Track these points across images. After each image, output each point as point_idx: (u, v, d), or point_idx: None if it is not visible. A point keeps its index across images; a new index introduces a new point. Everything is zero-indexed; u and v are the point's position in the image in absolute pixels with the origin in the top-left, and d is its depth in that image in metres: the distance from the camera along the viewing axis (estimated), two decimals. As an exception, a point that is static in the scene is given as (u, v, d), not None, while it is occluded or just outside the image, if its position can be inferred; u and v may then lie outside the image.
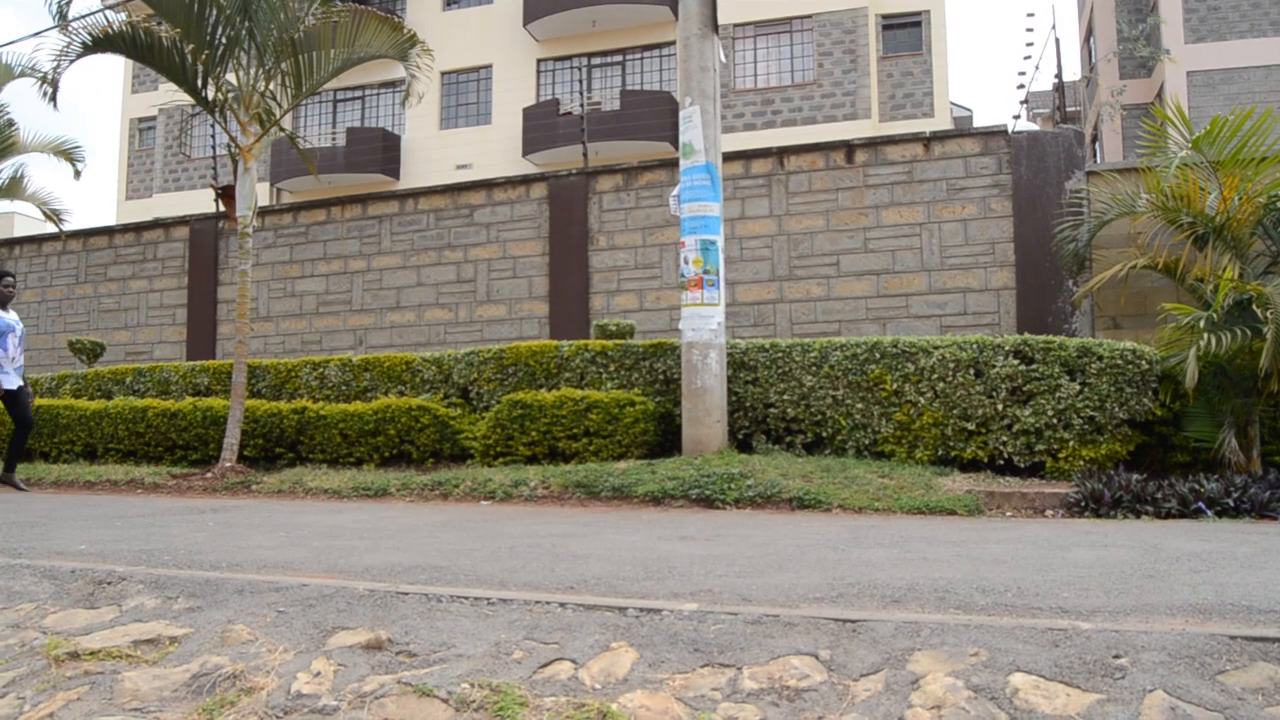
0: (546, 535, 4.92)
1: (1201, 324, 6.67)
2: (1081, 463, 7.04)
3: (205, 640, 2.76)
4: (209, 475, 8.63)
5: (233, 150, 9.81)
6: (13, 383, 8.45)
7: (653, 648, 2.49)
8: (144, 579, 3.30)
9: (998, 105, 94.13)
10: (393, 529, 5.32)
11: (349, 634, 2.70)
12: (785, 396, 8.01)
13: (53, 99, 9.49)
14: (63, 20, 9.19)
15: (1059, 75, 12.41)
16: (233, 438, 9.00)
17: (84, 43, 9.16)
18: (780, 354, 8.11)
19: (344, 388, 9.90)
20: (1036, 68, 27.95)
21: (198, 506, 6.94)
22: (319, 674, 2.50)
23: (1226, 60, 23.01)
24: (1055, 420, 7.14)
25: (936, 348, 7.60)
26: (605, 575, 3.46)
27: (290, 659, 2.60)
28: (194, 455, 9.71)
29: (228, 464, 8.83)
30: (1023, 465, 7.28)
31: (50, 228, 14.07)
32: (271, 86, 9.83)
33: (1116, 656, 2.25)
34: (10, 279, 8.62)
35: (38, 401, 10.65)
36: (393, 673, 2.46)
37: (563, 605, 2.82)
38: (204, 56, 9.10)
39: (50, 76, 9.36)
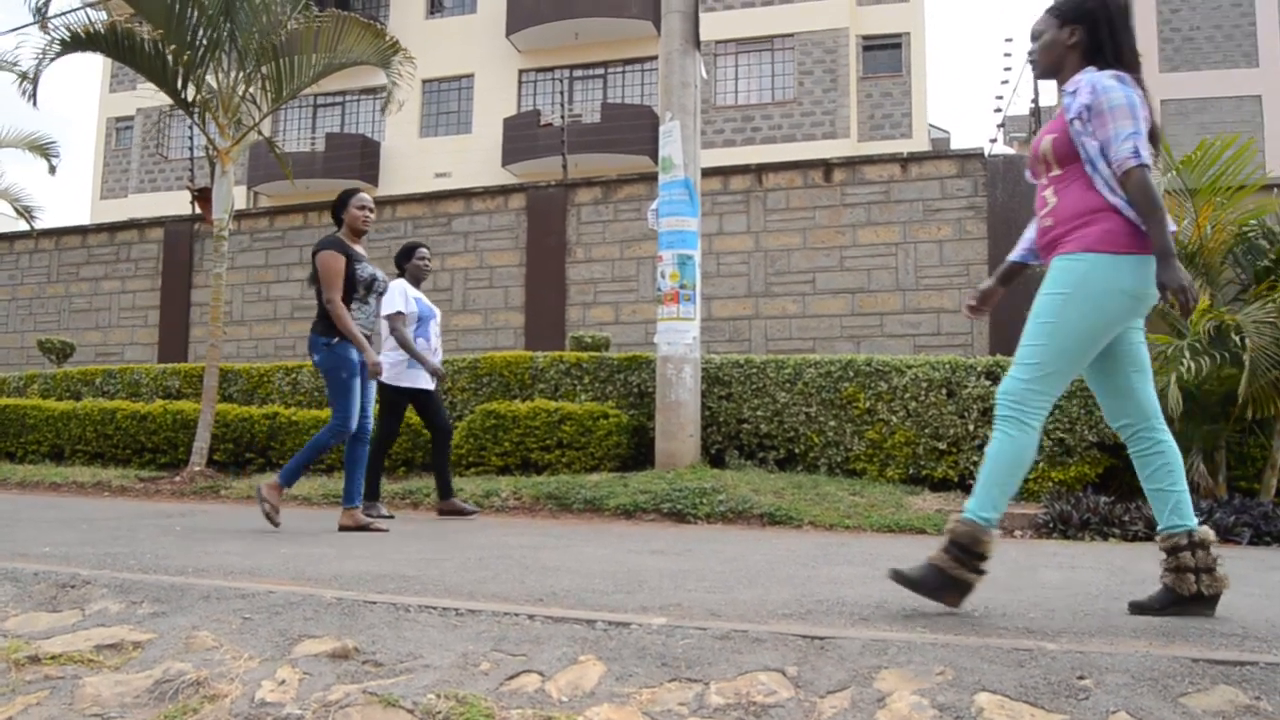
0: (517, 546, 4.91)
1: (1185, 352, 6.75)
2: (1050, 484, 7.10)
3: (169, 646, 2.73)
4: (178, 479, 8.55)
5: (210, 153, 9.75)
6: None
7: (621, 661, 2.49)
8: (108, 583, 3.27)
9: (975, 128, 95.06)
10: (363, 537, 5.29)
11: (315, 642, 2.68)
12: (759, 412, 8.03)
13: (32, 97, 9.42)
14: (42, 18, 9.13)
15: (1035, 100, 12.59)
16: (203, 442, 8.92)
17: (64, 41, 9.10)
18: (755, 370, 8.13)
19: (317, 394, 9.84)
20: (1014, 91, 28.29)
21: (165, 511, 6.87)
22: (284, 682, 2.47)
23: (1199, 90, 23.38)
24: (1026, 442, 7.18)
25: (910, 367, 7.65)
26: (575, 588, 3.45)
27: (255, 666, 2.57)
28: (163, 459, 9.62)
29: (197, 468, 8.75)
30: (993, 486, 7.32)
31: (22, 225, 13.93)
32: (251, 90, 9.79)
33: (1081, 678, 2.27)
34: None
35: (4, 401, 10.52)
36: (358, 682, 2.45)
37: (531, 617, 2.81)
38: (185, 58, 9.05)
39: (30, 74, 9.29)
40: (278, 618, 2.88)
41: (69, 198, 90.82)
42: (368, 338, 5.69)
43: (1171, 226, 2.90)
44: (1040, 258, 3.28)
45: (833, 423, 7.81)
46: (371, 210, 5.84)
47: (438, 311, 6.92)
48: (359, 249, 5.77)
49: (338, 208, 5.79)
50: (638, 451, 8.33)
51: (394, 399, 6.58)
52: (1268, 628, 2.85)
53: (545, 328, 11.44)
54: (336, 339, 5.52)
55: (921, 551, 5.07)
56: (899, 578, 3.03)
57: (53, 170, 13.08)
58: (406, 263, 6.79)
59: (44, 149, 12.82)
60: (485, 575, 3.74)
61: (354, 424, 5.57)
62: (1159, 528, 3.10)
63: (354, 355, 5.57)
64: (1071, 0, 3.11)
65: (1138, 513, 6.32)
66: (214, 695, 2.44)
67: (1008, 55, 40.11)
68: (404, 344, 6.43)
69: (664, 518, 6.55)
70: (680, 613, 2.93)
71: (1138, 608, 3.08)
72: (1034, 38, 3.24)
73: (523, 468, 8.19)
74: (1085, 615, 3.06)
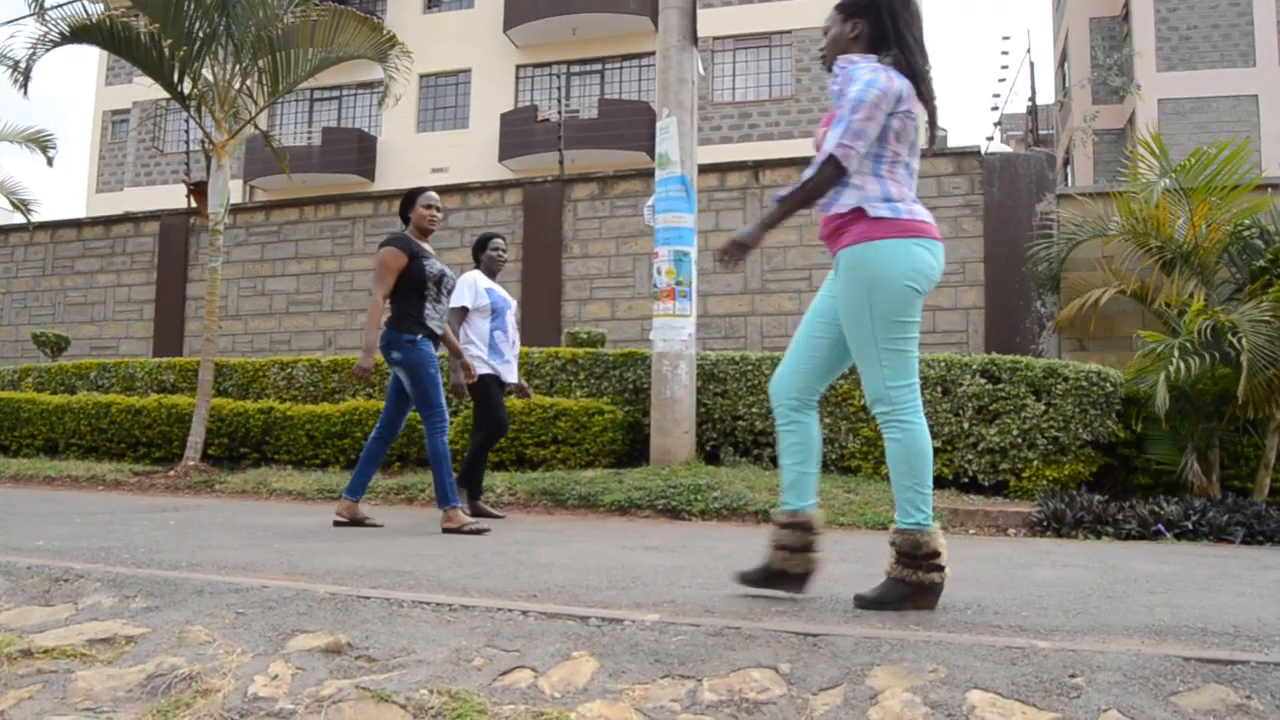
0: (511, 542, 4.91)
1: (1176, 351, 6.76)
2: (1045, 482, 7.11)
3: (162, 640, 2.73)
4: (172, 473, 8.54)
5: (206, 146, 9.73)
6: None
7: (614, 657, 2.49)
8: (101, 577, 3.26)
9: (972, 126, 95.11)
10: (357, 532, 5.29)
11: (308, 637, 2.68)
12: (754, 409, 8.03)
13: (24, 88, 9.39)
14: (40, 9, 9.10)
15: (1032, 99, 12.58)
16: (197, 436, 8.91)
17: (60, 33, 9.07)
18: (750, 367, 8.14)
19: (312, 389, 9.84)
20: (1012, 89, 28.28)
21: (159, 505, 6.86)
22: (277, 677, 2.47)
23: (1196, 89, 23.39)
24: (1020, 440, 7.20)
25: (905, 365, 7.64)
26: (569, 584, 3.46)
27: (248, 661, 2.57)
28: (157, 453, 9.60)
29: (191, 463, 8.74)
30: (987, 484, 7.34)
31: (18, 218, 13.89)
32: (248, 83, 9.77)
33: (1073, 676, 2.28)
34: None
35: (-1, 394, 10.51)
36: (351, 677, 2.45)
37: (525, 613, 2.81)
38: (181, 51, 9.03)
39: (24, 65, 9.26)
40: (271, 612, 2.88)
41: (64, 191, 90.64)
42: (439, 336, 5.67)
43: (794, 212, 3.08)
44: None
45: (828, 420, 7.82)
46: (439, 209, 5.78)
47: (513, 302, 6.71)
48: (427, 246, 5.71)
49: (405, 206, 5.73)
50: (633, 448, 8.33)
51: (493, 386, 6.37)
52: (1259, 627, 2.86)
53: (541, 323, 11.43)
54: (419, 335, 5.45)
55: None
56: (864, 603, 3.04)
57: (50, 164, 13.05)
58: (482, 254, 6.60)
59: (41, 142, 12.78)
60: (479, 571, 3.75)
61: (446, 416, 5.49)
62: (780, 503, 3.21)
63: (432, 350, 5.50)
64: None
65: (1131, 512, 6.33)
66: (207, 690, 2.44)
67: (1005, 54, 40.08)
68: (448, 341, 6.04)
69: (659, 514, 6.55)
70: (674, 609, 2.94)
71: (742, 577, 3.20)
72: (824, 33, 3.27)
73: (518, 463, 8.19)
74: (1078, 613, 3.07)
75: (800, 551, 3.12)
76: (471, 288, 6.36)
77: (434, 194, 5.77)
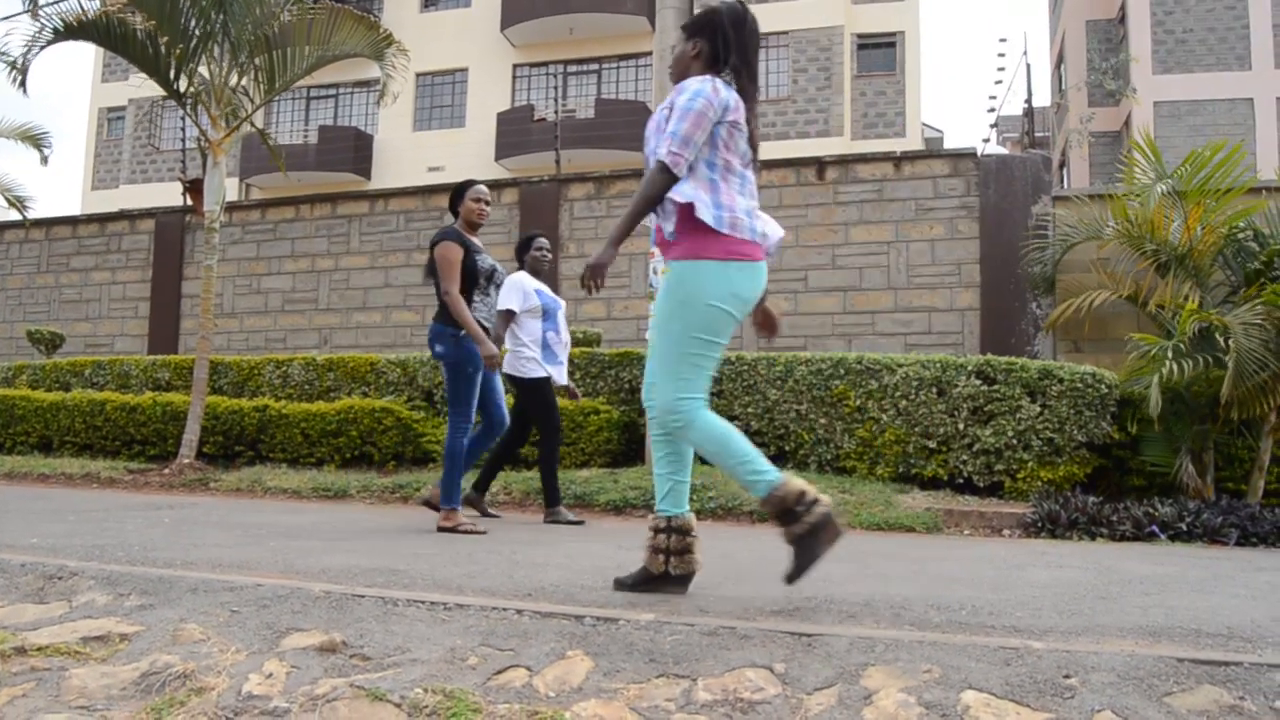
0: (506, 541, 4.91)
1: (1169, 353, 6.77)
2: (1039, 484, 7.12)
3: (156, 638, 2.73)
4: (167, 471, 8.53)
5: (202, 144, 9.72)
6: None
7: (608, 657, 2.49)
8: (96, 575, 3.26)
9: (968, 128, 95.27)
10: (352, 531, 5.29)
11: (303, 635, 2.68)
12: (749, 410, 8.03)
13: (22, 85, 9.37)
14: (34, 6, 9.08)
15: (1029, 101, 12.61)
16: (192, 434, 8.89)
17: (56, 29, 9.05)
18: (745, 367, 8.14)
19: (307, 387, 9.83)
20: (1008, 91, 28.33)
21: (154, 503, 6.85)
22: (271, 675, 2.47)
23: (1192, 92, 23.44)
24: (1015, 441, 7.21)
25: (900, 366, 7.66)
26: (563, 583, 3.46)
27: (242, 659, 2.57)
28: (152, 451, 9.59)
29: (186, 460, 8.73)
30: (982, 484, 7.35)
31: (13, 215, 13.86)
32: (244, 81, 9.76)
33: (1067, 676, 2.28)
34: None
35: (-7, 391, 10.48)
36: (345, 676, 2.45)
37: (519, 612, 2.81)
38: (177, 49, 9.02)
39: (20, 62, 9.24)
40: (265, 611, 2.87)
41: (60, 188, 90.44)
42: (486, 330, 5.54)
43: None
44: None
45: (823, 420, 7.82)
46: (488, 202, 5.69)
47: (562, 302, 6.53)
48: (476, 240, 5.63)
49: (454, 199, 5.65)
50: (628, 448, 8.34)
51: (544, 388, 6.21)
52: (1253, 628, 2.86)
53: (537, 323, 11.42)
54: (465, 330, 5.34)
55: (910, 550, 5.10)
56: (794, 575, 3.07)
57: (45, 161, 13.02)
58: (525, 254, 6.45)
59: (36, 139, 12.76)
60: (474, 570, 3.74)
61: (472, 419, 5.41)
62: (656, 508, 3.26)
63: (476, 348, 5.39)
64: (696, 16, 3.35)
65: (1125, 513, 6.34)
66: (201, 688, 2.44)
67: (1001, 55, 40.16)
68: (496, 340, 5.92)
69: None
70: (668, 609, 2.94)
71: (618, 584, 3.28)
72: (673, 51, 3.43)
73: (512, 462, 8.18)
74: (1072, 614, 3.07)
75: (680, 554, 3.19)
76: (519, 290, 6.19)
77: (483, 187, 5.69)
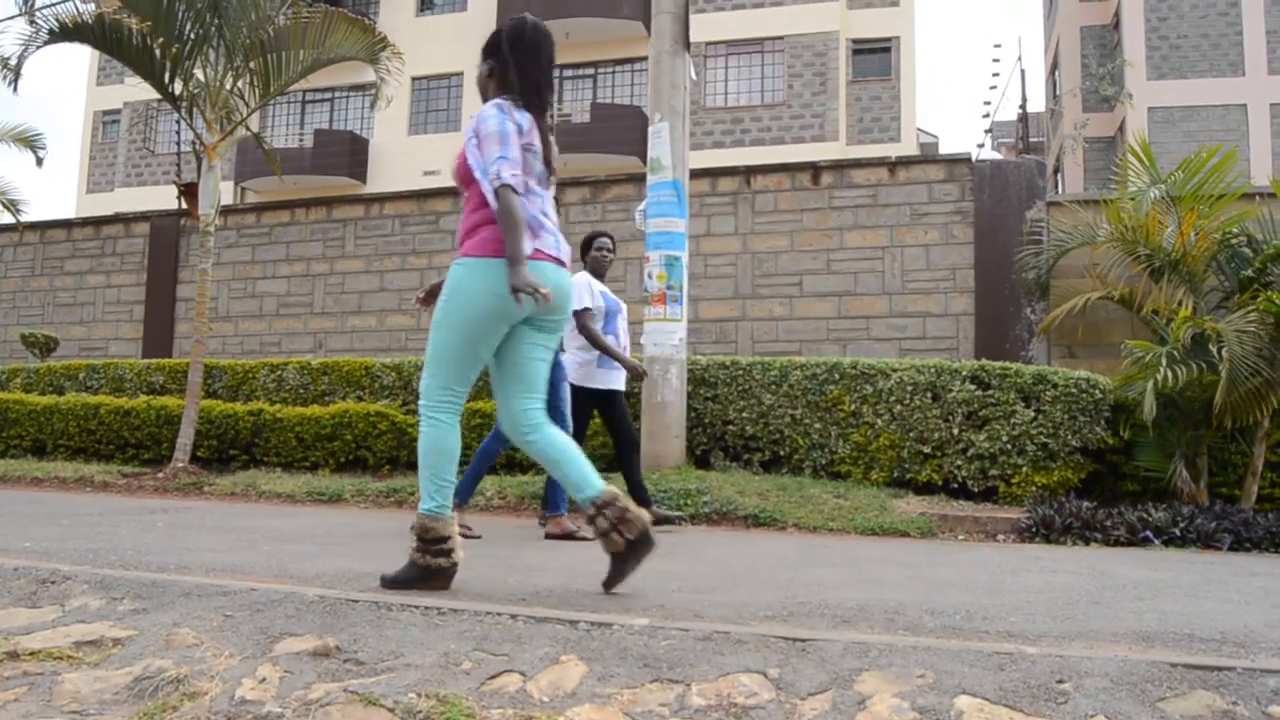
0: (501, 545, 4.90)
1: (1163, 360, 6.78)
2: (1034, 488, 7.12)
3: (149, 643, 2.72)
4: (160, 475, 8.51)
5: (197, 147, 9.71)
6: None
7: (602, 662, 2.49)
8: (89, 579, 3.25)
9: (963, 133, 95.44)
10: (346, 535, 5.28)
11: (296, 640, 2.67)
12: (744, 414, 8.04)
13: (14, 85, 9.35)
14: (29, 8, 9.07)
15: (1023, 106, 12.64)
16: (186, 438, 8.88)
17: (51, 31, 9.04)
18: (741, 371, 8.14)
19: (302, 391, 9.81)
20: (1003, 96, 28.45)
21: (148, 507, 6.84)
22: (264, 680, 2.47)
23: (1186, 98, 23.52)
24: (1009, 446, 7.22)
25: (895, 370, 7.67)
26: (558, 588, 3.45)
27: (235, 664, 2.57)
28: (146, 455, 9.57)
29: (180, 464, 8.71)
30: (976, 489, 7.36)
31: (7, 218, 13.84)
32: (239, 85, 9.74)
33: (1060, 681, 2.28)
34: None
35: (-14, 395, 10.45)
36: (339, 680, 2.44)
37: (514, 617, 2.81)
38: (172, 51, 9.01)
39: (14, 63, 9.23)
40: (259, 615, 2.87)
41: (54, 191, 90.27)
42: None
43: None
44: None
45: (818, 425, 7.83)
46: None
47: (623, 305, 6.30)
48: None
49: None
50: (623, 452, 8.32)
51: (584, 401, 6.01)
52: (1246, 633, 2.87)
53: (532, 327, 11.40)
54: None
55: (904, 554, 5.10)
56: (387, 582, 3.30)
57: (40, 163, 13.01)
58: (587, 254, 6.27)
59: (31, 141, 12.76)
60: (468, 575, 3.74)
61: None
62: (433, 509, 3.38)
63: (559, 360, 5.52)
64: (489, 39, 3.52)
65: (1119, 518, 6.35)
66: (194, 693, 2.43)
67: (996, 61, 40.27)
68: (595, 341, 5.88)
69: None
70: (663, 614, 2.94)
71: (385, 581, 3.34)
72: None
73: (507, 466, 8.18)
74: (1066, 619, 3.08)
75: (444, 552, 3.31)
76: (589, 289, 5.98)
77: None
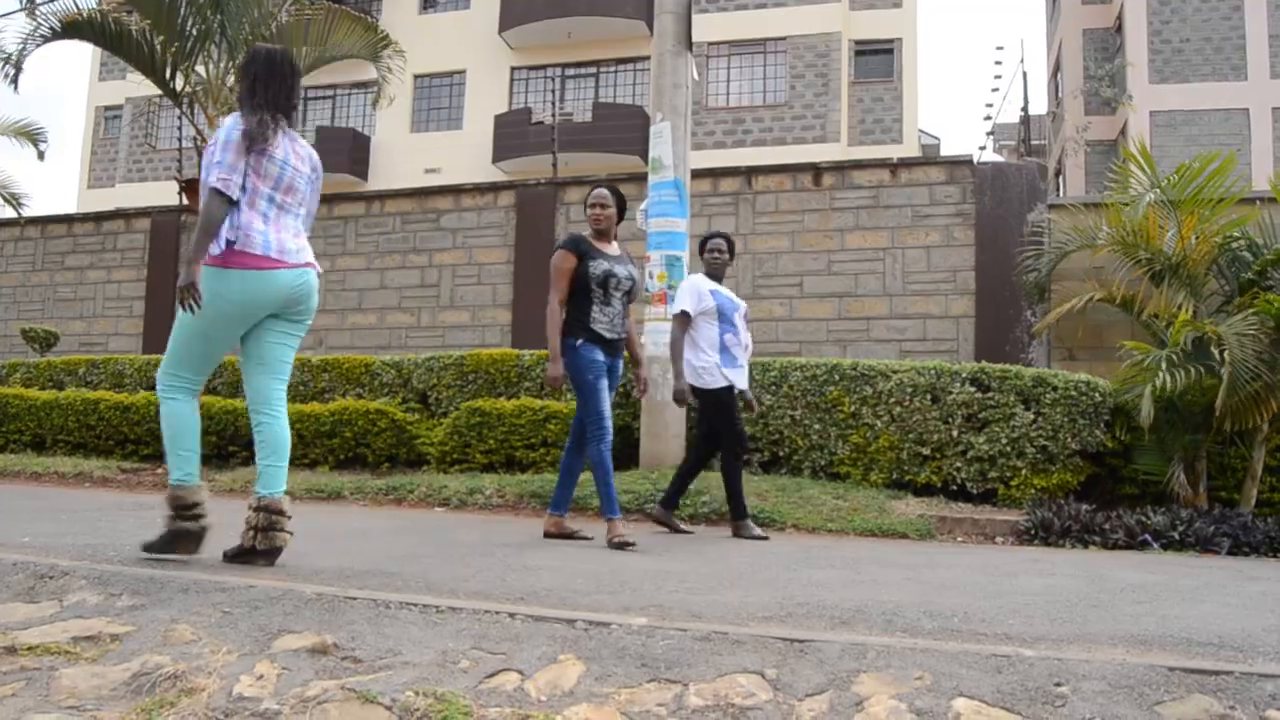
0: (500, 544, 4.90)
1: (1162, 363, 6.78)
2: (1033, 491, 7.12)
3: (147, 639, 2.72)
4: (160, 471, 8.50)
5: (199, 143, 9.71)
6: None
7: (600, 661, 2.49)
8: (87, 574, 3.25)
9: (965, 135, 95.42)
10: (345, 532, 5.28)
11: (294, 637, 2.68)
12: (744, 414, 8.02)
13: (14, 81, 9.36)
14: (30, 4, 9.08)
15: (1025, 109, 12.67)
16: (186, 434, 8.86)
17: (51, 28, 9.06)
18: (741, 372, 8.13)
19: (301, 388, 9.81)
20: (1005, 99, 28.42)
21: (147, 503, 6.83)
22: (262, 677, 2.47)
23: (1188, 102, 23.50)
24: (1009, 448, 7.22)
25: (895, 372, 7.67)
26: (556, 587, 3.45)
27: (233, 661, 2.57)
28: (146, 450, 9.57)
29: (179, 460, 8.69)
30: (975, 491, 7.35)
31: (8, 212, 13.84)
32: (241, 81, 9.74)
33: (1058, 684, 2.28)
34: None
35: (-14, 389, 10.45)
36: (337, 678, 2.44)
37: (512, 616, 2.81)
38: (174, 48, 9.03)
39: (15, 59, 9.24)
40: (257, 612, 2.87)
41: (56, 186, 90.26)
42: (615, 340, 5.41)
43: (218, 247, 3.57)
44: None
45: (817, 426, 7.83)
46: (603, 206, 5.46)
47: (742, 304, 6.20)
48: (608, 246, 5.49)
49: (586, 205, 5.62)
50: (623, 451, 8.31)
51: (715, 400, 5.94)
52: (1244, 637, 2.87)
53: (533, 326, 11.40)
54: (580, 340, 5.25)
55: (903, 556, 5.10)
56: (145, 547, 3.71)
57: (41, 157, 13.02)
58: (702, 254, 6.19)
59: (32, 135, 12.77)
60: (467, 573, 3.74)
61: (605, 425, 5.21)
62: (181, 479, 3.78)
63: (600, 355, 5.26)
64: (242, 58, 3.96)
65: (1118, 521, 6.35)
66: (191, 689, 2.43)
67: (998, 63, 40.27)
68: (670, 347, 5.91)
69: (647, 518, 6.55)
70: (661, 614, 2.94)
71: (146, 545, 3.73)
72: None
73: (507, 465, 8.18)
74: (1064, 622, 3.08)
75: (264, 531, 3.67)
76: (694, 292, 5.98)
77: (601, 191, 5.52)
